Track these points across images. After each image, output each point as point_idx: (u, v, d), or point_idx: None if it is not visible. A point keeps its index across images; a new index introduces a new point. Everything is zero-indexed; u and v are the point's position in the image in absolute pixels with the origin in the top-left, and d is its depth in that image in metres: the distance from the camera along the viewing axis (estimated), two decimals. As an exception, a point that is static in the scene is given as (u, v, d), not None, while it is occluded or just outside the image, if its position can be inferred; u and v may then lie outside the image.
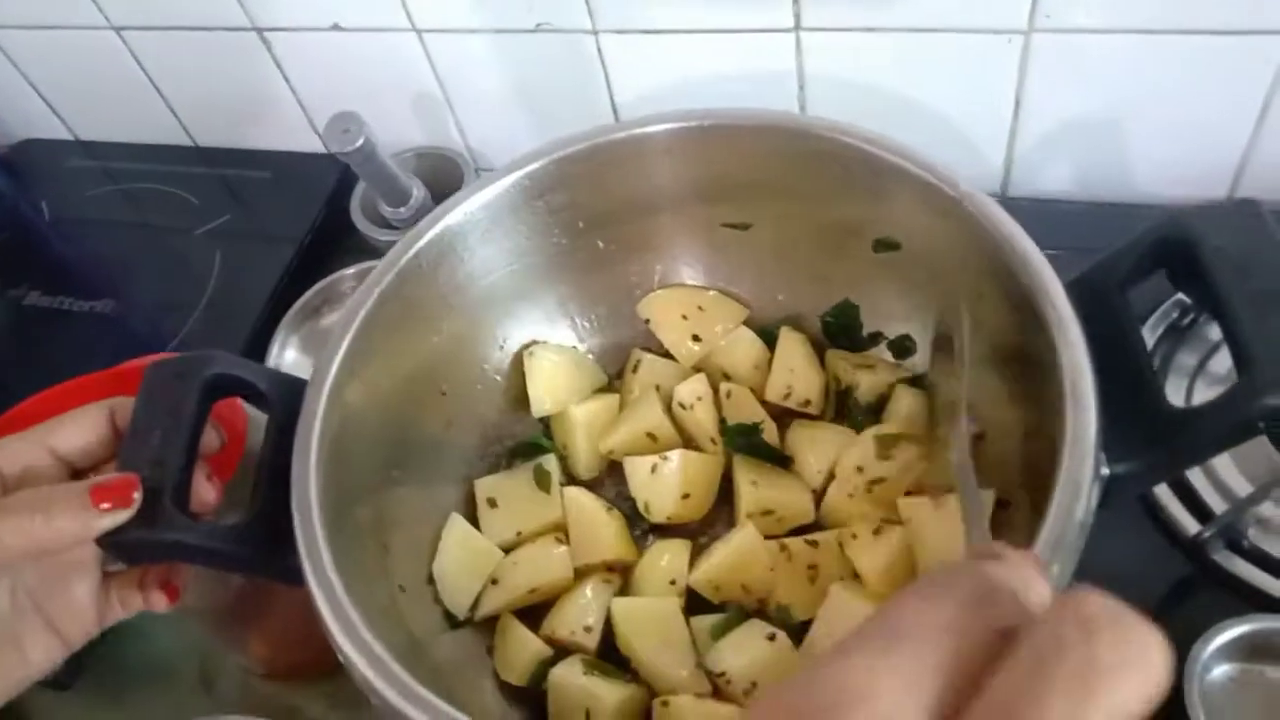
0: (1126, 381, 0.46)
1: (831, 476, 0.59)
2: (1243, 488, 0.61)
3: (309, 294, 0.83)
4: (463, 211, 0.59)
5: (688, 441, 0.63)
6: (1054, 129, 0.76)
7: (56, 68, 1.01)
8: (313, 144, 0.99)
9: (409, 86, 0.89)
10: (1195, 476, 0.62)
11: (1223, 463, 0.62)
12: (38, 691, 0.72)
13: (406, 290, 0.57)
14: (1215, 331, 0.67)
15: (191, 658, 0.72)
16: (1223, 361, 0.66)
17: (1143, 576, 0.61)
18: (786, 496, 0.59)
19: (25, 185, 1.07)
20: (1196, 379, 0.66)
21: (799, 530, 0.59)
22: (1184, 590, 0.60)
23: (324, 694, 0.69)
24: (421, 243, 0.57)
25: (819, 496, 0.60)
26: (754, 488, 0.59)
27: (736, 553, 0.56)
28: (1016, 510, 0.53)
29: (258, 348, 0.82)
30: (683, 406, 0.63)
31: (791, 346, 0.64)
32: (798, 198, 0.60)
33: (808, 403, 0.63)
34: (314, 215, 0.93)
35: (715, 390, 0.64)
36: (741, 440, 0.61)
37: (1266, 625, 0.55)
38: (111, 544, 0.46)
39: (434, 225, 0.58)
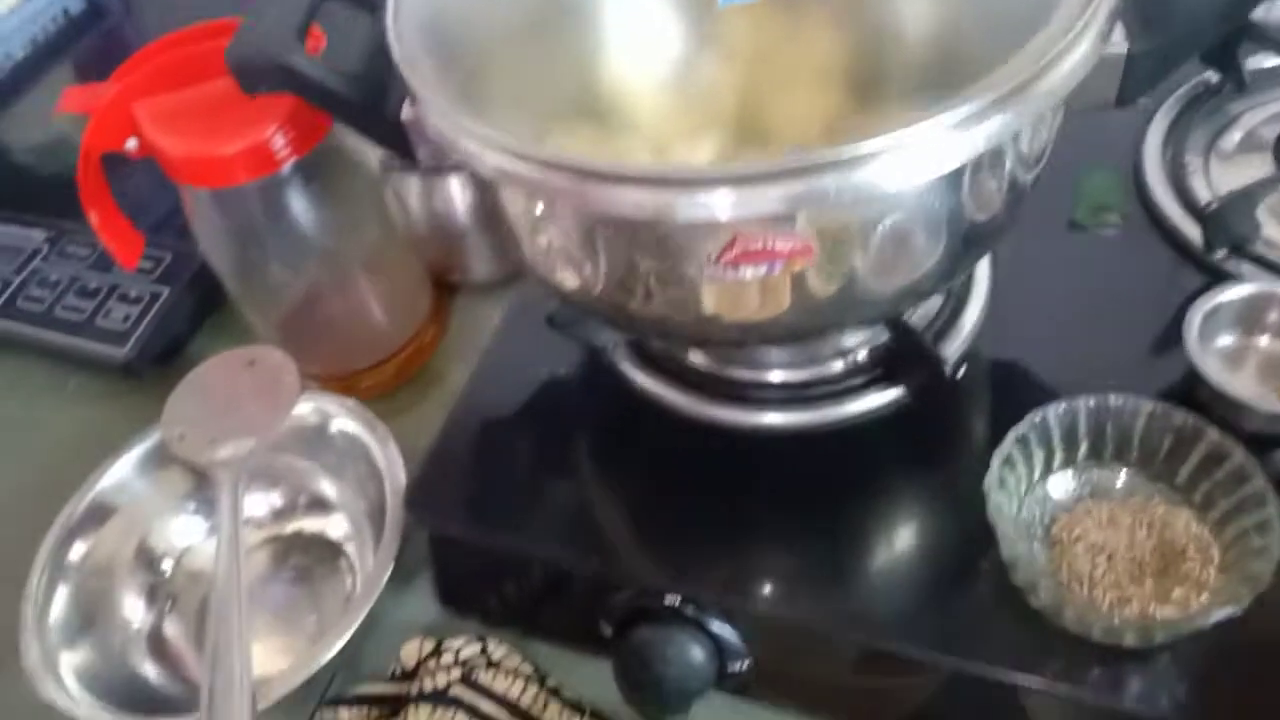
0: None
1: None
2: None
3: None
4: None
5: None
6: None
7: None
8: None
9: None
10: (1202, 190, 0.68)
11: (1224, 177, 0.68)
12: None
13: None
14: (1235, 106, 0.73)
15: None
16: (1236, 135, 0.72)
17: (1157, 291, 0.64)
18: None
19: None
20: (1212, 151, 0.71)
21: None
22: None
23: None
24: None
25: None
26: None
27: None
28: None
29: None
30: None
31: None
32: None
33: None
34: None
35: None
36: None
37: (1261, 289, 0.59)
38: (236, 59, 0.52)
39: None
